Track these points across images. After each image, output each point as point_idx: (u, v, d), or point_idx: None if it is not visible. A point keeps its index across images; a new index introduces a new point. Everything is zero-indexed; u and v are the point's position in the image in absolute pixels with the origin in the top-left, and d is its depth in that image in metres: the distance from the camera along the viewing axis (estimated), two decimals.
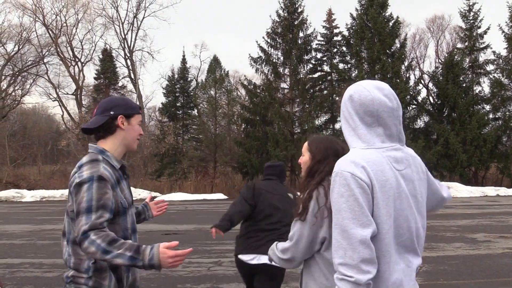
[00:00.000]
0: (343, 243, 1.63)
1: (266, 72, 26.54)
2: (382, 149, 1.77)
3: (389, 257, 1.69)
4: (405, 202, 1.74)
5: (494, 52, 27.18)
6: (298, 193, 2.45)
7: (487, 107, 26.75)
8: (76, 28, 37.46)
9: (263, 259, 3.59)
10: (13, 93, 36.21)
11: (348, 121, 1.87)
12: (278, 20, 26.54)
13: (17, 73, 35.06)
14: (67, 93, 38.82)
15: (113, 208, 2.10)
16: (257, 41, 26.69)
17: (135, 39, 37.44)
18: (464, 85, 26.29)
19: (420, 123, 26.99)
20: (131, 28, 37.22)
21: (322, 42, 28.48)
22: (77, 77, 37.18)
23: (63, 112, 37.88)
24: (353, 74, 26.13)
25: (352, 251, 1.60)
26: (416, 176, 1.83)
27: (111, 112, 2.24)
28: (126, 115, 2.27)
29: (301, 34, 26.43)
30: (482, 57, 27.58)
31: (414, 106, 26.95)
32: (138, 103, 34.61)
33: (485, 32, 27.19)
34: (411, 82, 26.75)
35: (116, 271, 2.16)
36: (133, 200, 2.43)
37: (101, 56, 31.80)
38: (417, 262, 1.82)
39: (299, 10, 26.55)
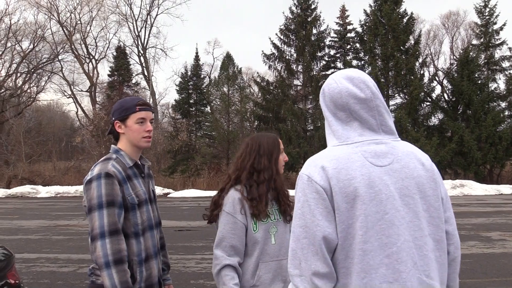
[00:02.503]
0: (298, 252, 1.47)
1: (279, 69, 26.54)
2: (356, 143, 1.55)
3: (368, 270, 1.43)
4: (387, 203, 1.46)
5: (510, 48, 26.83)
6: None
7: (503, 104, 26.36)
8: (90, 26, 37.97)
9: None
10: (28, 90, 36.70)
11: (325, 117, 1.68)
12: (291, 16, 26.48)
13: (32, 70, 35.48)
14: (82, 90, 39.36)
15: (122, 202, 2.23)
16: (270, 38, 26.68)
17: (149, 36, 37.91)
18: (479, 82, 25.95)
19: (434, 120, 26.71)
20: (144, 25, 37.51)
21: (336, 39, 28.33)
22: (91, 74, 37.57)
23: (77, 109, 38.44)
24: (366, 71, 25.95)
25: (305, 262, 1.45)
26: (410, 172, 1.54)
27: (112, 118, 2.39)
28: (120, 119, 2.36)
29: (314, 31, 26.34)
30: (497, 54, 27.20)
31: (428, 103, 26.71)
32: (151, 100, 34.85)
33: (501, 28, 26.84)
34: (425, 79, 26.48)
35: (128, 265, 2.21)
36: (154, 197, 2.53)
37: (115, 53, 32.01)
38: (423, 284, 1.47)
39: (312, 6, 26.47)
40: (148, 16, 37.42)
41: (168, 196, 21.89)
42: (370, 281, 1.42)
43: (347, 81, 1.61)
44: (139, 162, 2.45)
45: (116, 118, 2.36)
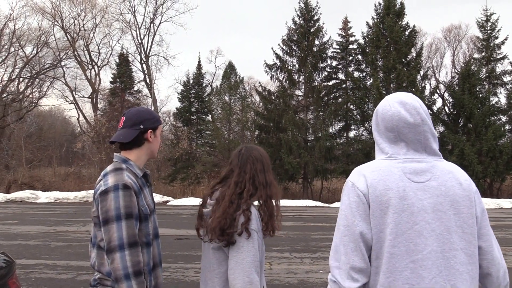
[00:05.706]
0: (341, 248, 1.67)
1: (281, 79, 26.56)
2: (399, 160, 1.73)
3: (393, 271, 1.60)
4: (418, 215, 1.63)
5: (511, 63, 26.93)
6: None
7: (504, 118, 26.41)
8: (94, 32, 38.08)
9: None
10: (30, 95, 36.81)
11: (373, 135, 1.89)
12: (294, 27, 26.59)
13: (35, 76, 35.60)
14: (83, 96, 39.46)
15: (138, 214, 2.20)
16: (272, 48, 26.90)
17: (151, 44, 37.79)
18: (480, 95, 26.00)
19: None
20: (147, 33, 37.63)
21: (338, 50, 28.50)
22: (93, 81, 37.69)
23: (78, 114, 38.43)
24: (368, 83, 26.05)
25: (345, 256, 1.65)
26: (446, 190, 1.68)
27: (141, 126, 2.34)
28: (153, 128, 2.38)
29: (316, 42, 26.41)
30: (499, 68, 27.29)
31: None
32: (152, 107, 34.92)
33: (503, 43, 26.95)
34: (427, 92, 26.52)
35: None
36: (155, 205, 2.51)
37: (117, 60, 32.11)
38: None
39: (315, 18, 26.58)
40: (152, 24, 37.57)
41: (168, 204, 21.85)
42: (394, 281, 1.61)
43: (399, 106, 1.78)
44: (147, 172, 2.46)
45: (150, 126, 2.37)
